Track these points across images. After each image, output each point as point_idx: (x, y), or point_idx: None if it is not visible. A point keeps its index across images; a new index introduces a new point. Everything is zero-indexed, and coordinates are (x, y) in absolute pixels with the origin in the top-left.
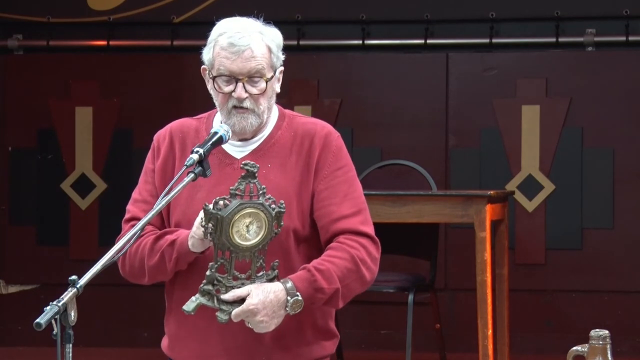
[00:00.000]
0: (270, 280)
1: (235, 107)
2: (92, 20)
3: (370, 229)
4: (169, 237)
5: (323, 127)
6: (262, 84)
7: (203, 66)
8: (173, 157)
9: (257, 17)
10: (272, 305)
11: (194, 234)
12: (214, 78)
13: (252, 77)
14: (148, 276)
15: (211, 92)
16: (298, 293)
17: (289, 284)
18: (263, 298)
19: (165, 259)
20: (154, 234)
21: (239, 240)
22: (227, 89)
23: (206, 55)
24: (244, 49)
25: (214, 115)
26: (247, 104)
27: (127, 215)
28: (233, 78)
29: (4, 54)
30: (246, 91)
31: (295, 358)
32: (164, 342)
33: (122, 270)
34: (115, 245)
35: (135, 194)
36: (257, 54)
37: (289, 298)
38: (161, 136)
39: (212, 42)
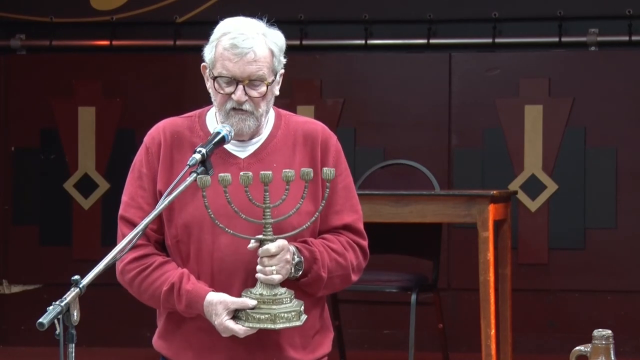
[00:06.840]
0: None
1: (234, 108)
2: (94, 20)
3: (365, 240)
4: (180, 307)
5: (323, 129)
6: (263, 88)
7: (203, 64)
8: (171, 157)
9: (261, 18)
10: (290, 253)
11: (220, 323)
12: (214, 78)
13: (253, 80)
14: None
15: (210, 90)
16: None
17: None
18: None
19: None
20: (167, 284)
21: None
22: (227, 89)
23: (208, 53)
24: (247, 51)
25: (206, 113)
26: (246, 106)
27: (125, 218)
28: (234, 80)
29: (7, 53)
30: (246, 94)
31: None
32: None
33: (129, 289)
34: (117, 246)
35: (125, 198)
36: (260, 58)
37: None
38: (155, 137)
39: (214, 41)
